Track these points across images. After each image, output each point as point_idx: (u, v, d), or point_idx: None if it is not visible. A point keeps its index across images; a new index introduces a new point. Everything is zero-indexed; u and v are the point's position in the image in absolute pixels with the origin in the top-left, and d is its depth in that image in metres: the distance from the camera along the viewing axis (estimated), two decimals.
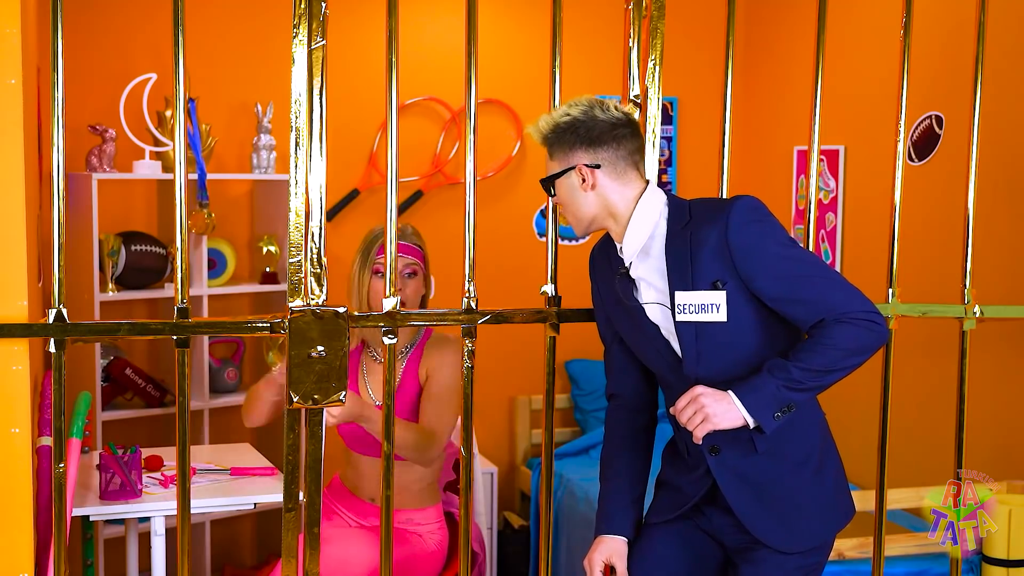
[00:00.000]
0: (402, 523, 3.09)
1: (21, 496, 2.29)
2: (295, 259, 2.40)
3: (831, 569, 3.33)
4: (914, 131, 4.18)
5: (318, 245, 2.41)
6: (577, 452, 4.84)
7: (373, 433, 2.85)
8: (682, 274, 2.32)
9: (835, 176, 4.65)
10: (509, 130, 4.97)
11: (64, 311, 2.30)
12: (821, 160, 4.67)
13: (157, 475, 3.16)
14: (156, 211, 4.46)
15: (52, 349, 2.29)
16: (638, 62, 2.69)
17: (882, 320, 2.28)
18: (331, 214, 4.67)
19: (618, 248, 2.43)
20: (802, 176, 4.86)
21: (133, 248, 4.13)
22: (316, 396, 2.40)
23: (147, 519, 3.01)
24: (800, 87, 4.80)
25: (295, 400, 2.40)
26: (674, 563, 2.48)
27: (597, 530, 2.53)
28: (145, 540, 3.34)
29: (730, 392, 2.26)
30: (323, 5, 2.38)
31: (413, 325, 2.77)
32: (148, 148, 4.16)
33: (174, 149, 2.53)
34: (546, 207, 2.66)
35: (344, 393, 2.43)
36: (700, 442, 2.31)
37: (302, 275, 2.40)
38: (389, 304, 2.51)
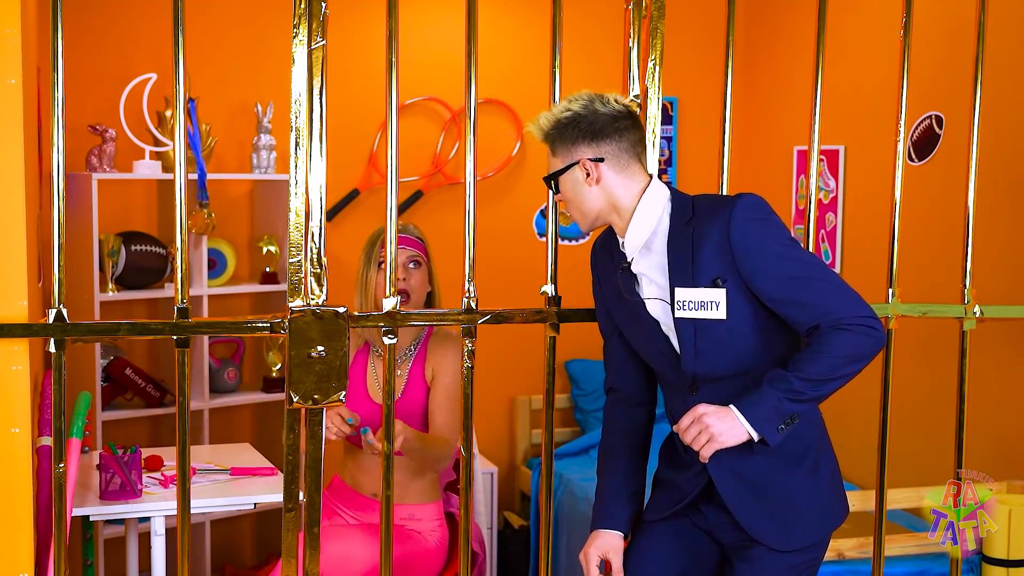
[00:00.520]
0: (403, 519, 3.10)
1: (21, 496, 2.29)
2: (295, 259, 2.40)
3: (831, 569, 3.33)
4: (914, 131, 4.18)
5: (318, 245, 2.41)
6: (577, 452, 4.84)
7: (419, 452, 2.95)
8: (683, 270, 2.32)
9: (835, 176, 4.65)
10: (509, 130, 4.97)
11: (64, 311, 2.30)
12: (821, 160, 4.67)
13: (157, 475, 3.16)
14: (156, 211, 4.46)
15: (52, 349, 2.29)
16: (638, 62, 2.69)
17: (880, 325, 2.27)
18: (331, 214, 4.67)
19: (620, 242, 2.42)
20: (802, 176, 4.86)
21: (133, 248, 4.13)
22: (316, 396, 2.40)
23: (147, 519, 3.01)
24: (800, 87, 4.80)
25: (295, 400, 2.40)
26: (670, 561, 2.48)
27: (593, 524, 2.53)
28: (145, 540, 3.34)
29: (732, 408, 2.25)
30: (323, 5, 2.38)
31: (413, 325, 2.77)
32: (148, 148, 4.16)
33: (174, 149, 2.53)
34: (546, 207, 2.66)
35: (344, 393, 2.43)
36: (706, 461, 2.30)
37: (302, 275, 2.40)
38: (389, 304, 2.51)
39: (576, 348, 4.96)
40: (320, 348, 2.39)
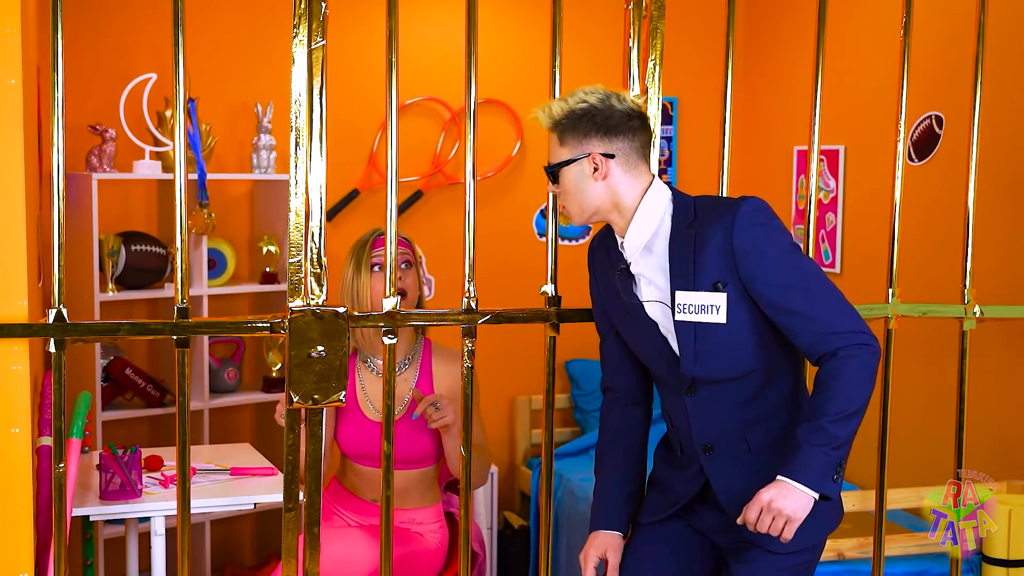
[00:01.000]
0: (403, 522, 3.09)
1: (21, 496, 2.29)
2: (295, 259, 2.40)
3: (831, 569, 3.33)
4: (914, 131, 4.18)
5: (318, 245, 2.41)
6: (577, 452, 4.84)
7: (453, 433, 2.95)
8: (684, 273, 2.31)
9: (835, 176, 4.65)
10: (509, 130, 4.97)
11: (64, 311, 2.30)
12: (821, 160, 4.67)
13: (157, 475, 3.16)
14: (156, 211, 4.46)
15: (52, 349, 2.29)
16: (638, 62, 2.69)
17: (873, 340, 2.26)
18: (331, 214, 4.67)
19: (619, 242, 2.42)
20: (802, 176, 4.86)
21: (133, 248, 4.13)
22: (316, 396, 2.40)
23: (147, 519, 3.01)
24: (800, 87, 4.80)
25: (295, 400, 2.40)
26: (666, 563, 2.48)
27: (592, 525, 2.53)
28: (145, 540, 3.34)
29: (785, 480, 2.23)
30: (323, 5, 2.38)
31: (413, 325, 2.77)
32: (148, 148, 4.16)
33: (174, 149, 2.53)
34: (546, 207, 2.66)
35: (344, 393, 2.42)
36: (789, 539, 2.25)
37: (302, 275, 2.40)
38: (389, 304, 2.51)
39: (576, 348, 4.96)
40: (320, 348, 2.39)
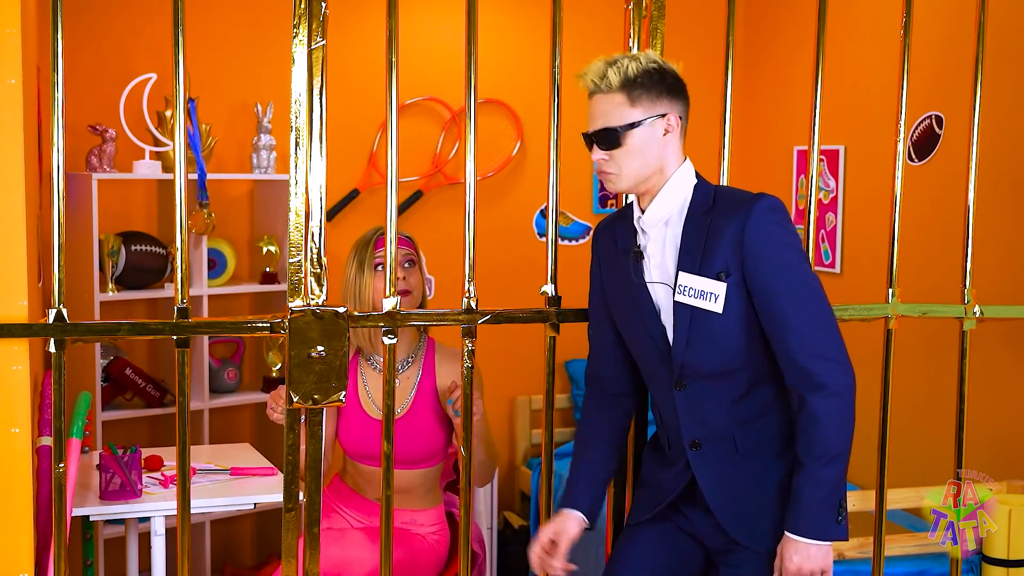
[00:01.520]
0: (405, 523, 3.09)
1: (21, 496, 2.29)
2: (295, 259, 2.40)
3: (832, 569, 3.33)
4: (914, 131, 4.18)
5: (318, 245, 2.41)
6: None
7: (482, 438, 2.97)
8: (693, 257, 2.32)
9: (835, 176, 4.65)
10: (509, 130, 4.97)
11: (64, 311, 2.30)
12: (821, 160, 4.67)
13: (157, 475, 3.16)
14: (156, 211, 4.46)
15: (52, 349, 2.29)
16: None
17: (851, 371, 2.28)
18: (331, 214, 4.67)
19: (637, 217, 2.40)
20: (802, 176, 4.86)
21: (133, 248, 4.13)
22: (316, 396, 2.40)
23: (147, 519, 3.01)
24: (800, 87, 4.80)
25: (295, 400, 2.40)
26: (655, 563, 2.49)
27: (558, 506, 2.54)
28: (145, 540, 3.34)
29: (792, 537, 2.28)
30: (323, 5, 2.38)
31: (414, 325, 2.77)
32: (148, 148, 4.16)
33: (174, 149, 2.53)
34: (546, 207, 2.66)
35: (344, 393, 2.42)
36: None
37: (302, 275, 2.40)
38: (389, 304, 2.51)
39: (576, 348, 4.95)
40: (320, 348, 2.39)
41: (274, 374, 4.51)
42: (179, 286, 2.36)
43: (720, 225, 2.30)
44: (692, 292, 2.31)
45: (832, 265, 4.65)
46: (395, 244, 2.48)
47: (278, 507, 2.63)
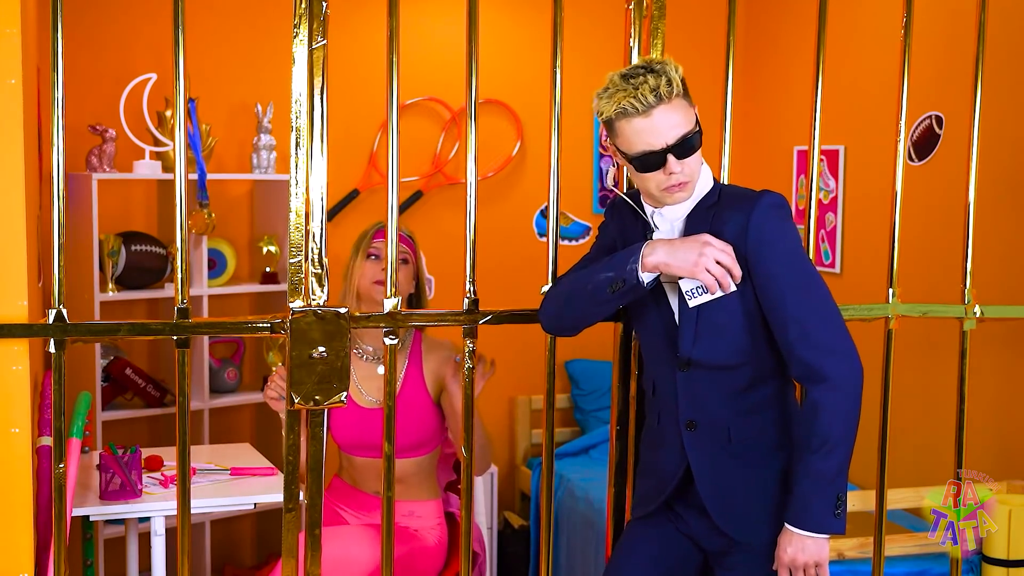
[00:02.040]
0: (403, 516, 3.09)
1: (21, 496, 2.29)
2: (295, 259, 2.40)
3: (831, 569, 3.32)
4: (914, 131, 4.18)
5: (319, 245, 2.41)
6: (577, 452, 4.84)
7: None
8: None
9: (835, 176, 4.65)
10: (509, 130, 4.97)
11: (64, 311, 2.30)
12: (821, 160, 4.67)
13: (157, 475, 3.16)
14: (156, 211, 4.46)
15: (52, 349, 2.29)
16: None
17: (858, 362, 2.28)
18: (331, 214, 4.67)
19: (649, 211, 2.40)
20: (802, 176, 4.86)
21: (133, 248, 4.13)
22: (317, 397, 2.40)
23: (147, 519, 3.01)
24: (800, 87, 4.80)
25: (296, 401, 2.40)
26: (656, 559, 2.49)
27: None
28: (145, 540, 3.34)
29: (792, 529, 2.29)
30: (324, 5, 2.38)
31: (414, 325, 2.77)
32: (148, 148, 4.16)
33: (174, 149, 2.53)
34: (546, 207, 2.66)
35: (345, 394, 2.42)
36: None
37: (303, 275, 2.40)
38: (389, 304, 2.51)
39: (576, 348, 4.96)
40: (321, 349, 2.39)
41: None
42: (179, 286, 2.36)
43: (725, 219, 2.31)
44: (699, 290, 2.31)
45: (832, 265, 4.65)
46: (395, 244, 2.49)
47: (278, 507, 2.63)
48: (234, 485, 3.16)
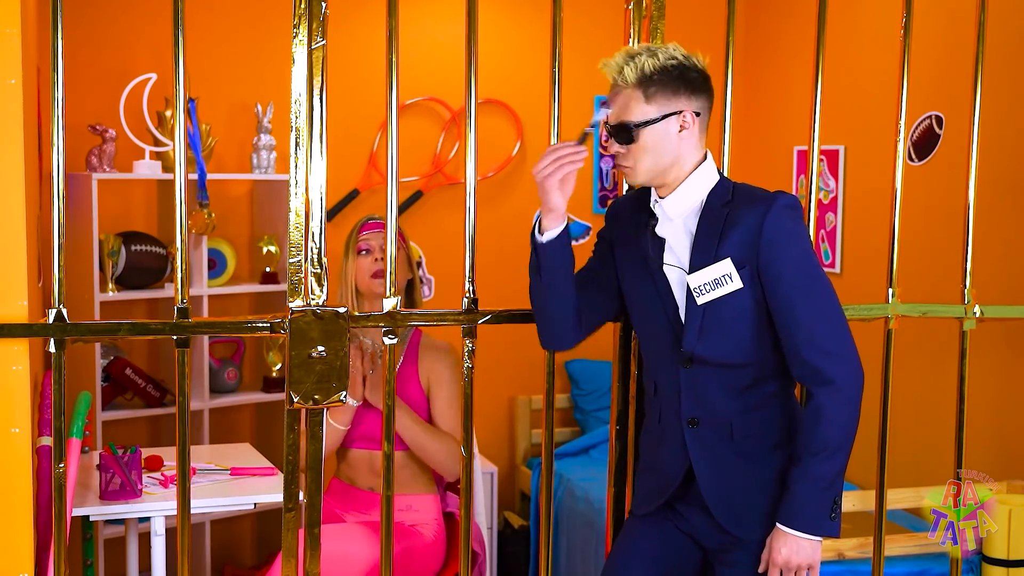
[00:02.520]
0: (400, 510, 3.10)
1: (21, 496, 2.29)
2: (295, 259, 2.40)
3: (831, 569, 3.33)
4: (914, 131, 4.18)
5: (318, 245, 2.41)
6: (577, 452, 4.84)
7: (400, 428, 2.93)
8: (707, 247, 2.32)
9: (835, 176, 4.65)
10: (509, 130, 4.97)
11: (64, 311, 2.30)
12: (821, 160, 4.67)
13: (157, 475, 3.16)
14: (156, 211, 4.46)
15: (52, 349, 2.29)
16: None
17: (859, 368, 2.29)
18: (331, 214, 4.67)
19: (654, 200, 2.40)
20: (802, 176, 4.86)
21: (133, 248, 4.13)
22: (316, 396, 2.40)
23: (147, 519, 3.01)
24: (800, 87, 4.80)
25: (295, 400, 2.40)
26: (657, 557, 2.49)
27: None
28: (145, 540, 3.34)
29: (785, 529, 2.29)
30: (323, 5, 2.38)
31: (413, 325, 2.77)
32: (148, 148, 4.16)
33: (174, 149, 2.53)
34: None
35: (344, 394, 2.43)
36: None
37: (302, 275, 2.40)
38: (389, 304, 2.51)
39: (576, 348, 4.93)
40: (321, 348, 2.39)
41: (274, 374, 4.51)
42: (179, 286, 2.36)
43: (738, 218, 2.31)
44: (708, 286, 2.32)
45: (832, 265, 4.65)
46: (394, 244, 2.49)
47: (278, 507, 2.63)
48: (234, 485, 3.16)
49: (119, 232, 4.16)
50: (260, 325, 2.42)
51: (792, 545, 2.29)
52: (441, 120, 4.89)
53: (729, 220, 2.32)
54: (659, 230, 2.39)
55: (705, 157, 2.39)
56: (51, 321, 2.29)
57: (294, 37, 2.37)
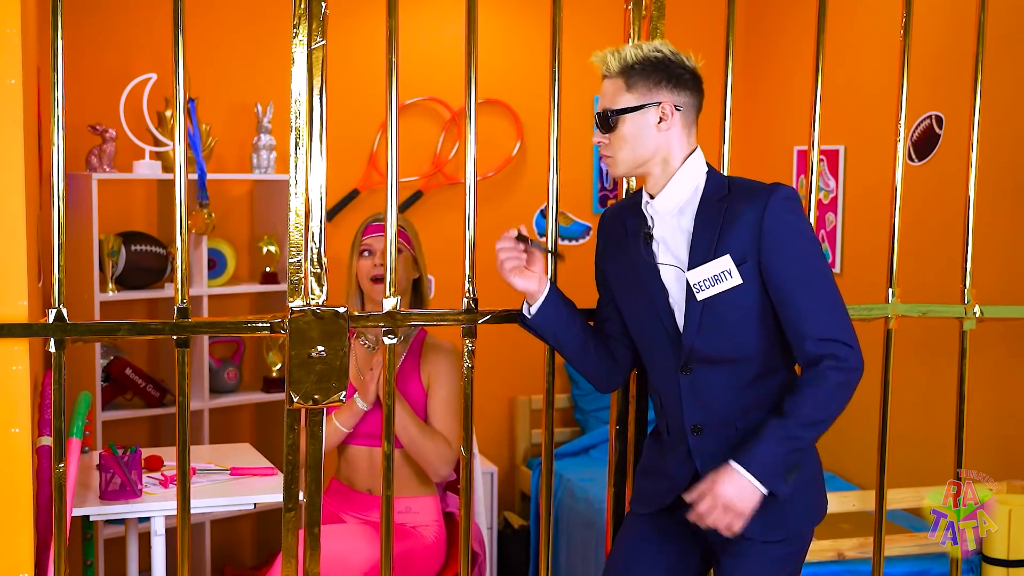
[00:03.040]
0: (400, 512, 3.10)
1: (21, 496, 2.29)
2: (295, 259, 2.40)
3: (832, 569, 3.33)
4: (914, 131, 4.18)
5: (318, 245, 2.41)
6: (577, 452, 4.84)
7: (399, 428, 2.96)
8: (707, 244, 2.32)
9: (835, 176, 4.65)
10: (509, 130, 4.97)
11: (64, 311, 2.30)
12: (821, 160, 4.67)
13: (157, 475, 3.16)
14: (156, 211, 4.46)
15: (52, 349, 2.29)
16: None
17: (860, 358, 2.28)
18: (331, 214, 4.67)
19: (645, 202, 2.40)
20: (802, 176, 4.86)
21: (133, 248, 4.13)
22: (316, 396, 2.40)
23: (147, 519, 3.01)
24: (800, 87, 4.80)
25: (295, 400, 2.40)
26: (657, 556, 2.48)
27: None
28: (145, 540, 3.34)
29: (737, 468, 2.25)
30: (323, 5, 2.38)
31: (413, 325, 2.77)
32: (148, 148, 4.16)
33: (174, 149, 2.54)
34: (546, 207, 2.66)
35: (344, 393, 2.43)
36: (734, 534, 2.29)
37: (302, 275, 2.40)
38: (389, 304, 2.51)
39: None
40: (320, 348, 2.39)
41: (274, 374, 4.51)
42: (179, 286, 2.36)
43: (737, 211, 2.31)
44: (707, 283, 2.31)
45: (832, 265, 4.65)
46: (394, 243, 2.49)
47: (278, 507, 2.63)
48: (234, 485, 3.16)
49: (119, 232, 4.16)
50: (260, 325, 2.43)
51: (740, 486, 2.24)
52: (441, 120, 4.89)
53: (728, 215, 2.31)
54: (656, 232, 2.39)
55: (695, 150, 2.39)
56: (51, 321, 2.29)
57: (294, 37, 2.37)
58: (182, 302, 2.36)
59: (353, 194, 4.74)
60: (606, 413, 4.76)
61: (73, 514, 2.82)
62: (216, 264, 4.40)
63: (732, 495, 2.24)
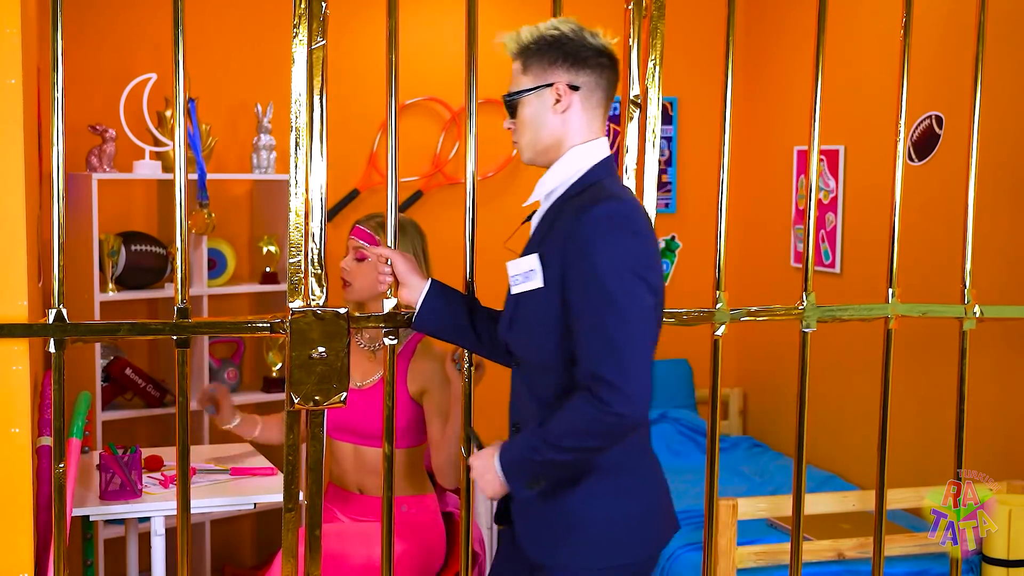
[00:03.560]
0: (397, 511, 3.08)
1: (21, 496, 2.29)
2: (295, 259, 2.40)
3: (831, 569, 3.33)
4: (914, 131, 4.19)
5: (318, 245, 2.41)
6: None
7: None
8: (536, 240, 2.22)
9: (835, 176, 4.65)
10: None
11: (64, 311, 2.30)
12: (821, 160, 4.67)
13: (157, 475, 3.16)
14: (156, 211, 4.46)
15: (52, 349, 2.29)
16: (638, 62, 2.69)
17: (636, 410, 2.03)
18: (331, 214, 4.67)
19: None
20: (802, 176, 4.86)
21: (133, 248, 4.13)
22: (317, 397, 2.40)
23: (147, 519, 3.01)
24: (800, 87, 4.80)
25: (296, 401, 2.40)
26: (505, 566, 2.40)
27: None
28: (145, 540, 3.34)
29: (496, 444, 2.19)
30: (323, 5, 2.38)
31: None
32: (148, 148, 4.16)
33: (174, 149, 2.53)
34: None
35: (344, 394, 2.42)
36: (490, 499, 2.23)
37: (302, 275, 2.40)
38: (389, 304, 2.51)
39: None
40: (321, 349, 2.39)
41: (274, 374, 4.51)
42: (179, 286, 2.36)
43: (564, 217, 2.15)
44: (519, 278, 2.20)
45: (832, 265, 4.65)
46: (396, 243, 2.49)
47: (278, 507, 2.63)
48: (234, 485, 3.16)
49: (119, 232, 4.16)
50: (260, 325, 2.42)
51: (487, 465, 2.17)
52: (441, 120, 4.89)
53: (559, 216, 2.16)
54: (535, 216, 2.30)
55: (595, 140, 2.22)
56: (51, 321, 2.29)
57: (294, 37, 2.37)
58: (182, 302, 2.36)
59: (353, 194, 4.74)
60: None
61: (73, 514, 2.82)
62: (216, 264, 4.40)
63: (478, 470, 2.20)
